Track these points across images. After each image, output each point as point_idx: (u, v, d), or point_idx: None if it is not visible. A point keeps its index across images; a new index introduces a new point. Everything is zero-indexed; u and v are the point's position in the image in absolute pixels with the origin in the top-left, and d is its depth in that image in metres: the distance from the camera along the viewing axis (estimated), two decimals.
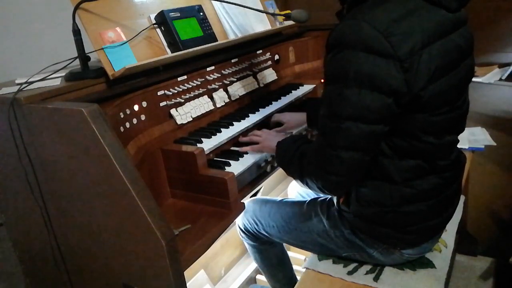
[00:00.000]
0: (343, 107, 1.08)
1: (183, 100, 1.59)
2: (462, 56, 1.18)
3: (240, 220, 1.72)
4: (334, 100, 1.10)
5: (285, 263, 1.82)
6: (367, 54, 1.03)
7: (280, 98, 1.91)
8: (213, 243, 1.33)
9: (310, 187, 1.25)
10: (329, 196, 1.48)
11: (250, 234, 1.68)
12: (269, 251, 1.74)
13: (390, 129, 1.13)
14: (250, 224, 1.64)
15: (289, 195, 1.94)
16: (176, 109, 1.57)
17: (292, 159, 1.27)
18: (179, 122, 1.57)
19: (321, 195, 1.51)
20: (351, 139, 1.09)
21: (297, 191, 1.90)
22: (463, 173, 1.38)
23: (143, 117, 1.46)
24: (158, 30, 1.60)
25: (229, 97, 1.79)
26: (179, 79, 1.60)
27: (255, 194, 1.94)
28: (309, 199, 1.54)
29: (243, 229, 1.70)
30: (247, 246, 1.79)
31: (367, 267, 1.41)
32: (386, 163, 1.20)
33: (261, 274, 2.02)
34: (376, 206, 1.26)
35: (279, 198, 1.66)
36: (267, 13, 1.95)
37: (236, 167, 1.45)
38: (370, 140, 1.10)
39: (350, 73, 1.05)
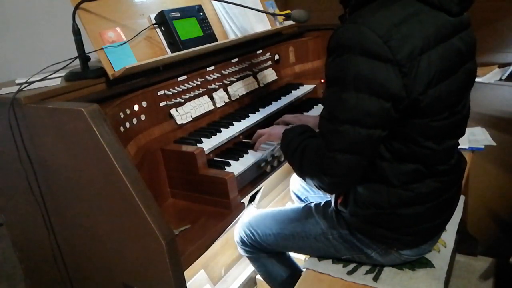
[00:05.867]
0: (341, 111, 1.08)
1: (183, 100, 1.59)
2: (462, 61, 1.17)
3: (236, 233, 1.69)
4: (333, 103, 1.10)
5: (292, 270, 1.74)
6: (366, 58, 1.03)
7: (280, 98, 1.92)
8: (213, 243, 1.33)
9: (308, 183, 1.26)
10: (325, 199, 1.49)
11: (247, 245, 1.66)
12: (272, 261, 1.69)
13: (389, 133, 1.13)
14: (247, 236, 1.63)
15: (290, 187, 1.95)
16: (176, 109, 1.57)
17: (295, 152, 1.27)
18: (179, 122, 1.57)
19: (318, 199, 1.52)
20: (348, 142, 1.09)
21: (292, 190, 1.91)
22: (463, 176, 1.38)
23: (143, 117, 1.46)
24: (158, 30, 1.60)
25: (229, 97, 1.79)
26: (179, 79, 1.60)
27: (255, 194, 1.94)
28: (303, 204, 1.54)
29: (240, 241, 1.68)
30: (248, 258, 1.75)
31: (367, 267, 1.41)
32: (384, 166, 1.20)
33: None
34: (373, 208, 1.26)
35: (275, 209, 1.65)
36: (267, 13, 1.96)
37: (236, 167, 1.45)
38: (367, 144, 1.10)
39: (349, 76, 1.05)
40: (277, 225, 1.53)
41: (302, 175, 1.26)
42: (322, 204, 1.47)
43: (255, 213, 1.65)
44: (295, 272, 1.71)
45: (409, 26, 1.05)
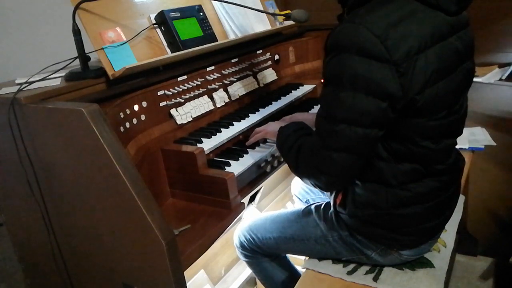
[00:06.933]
0: (338, 110, 1.08)
1: (183, 100, 1.59)
2: (459, 60, 1.17)
3: (235, 238, 1.68)
4: (330, 102, 1.11)
5: (291, 275, 1.73)
6: (363, 58, 1.03)
7: (280, 98, 1.92)
8: (213, 243, 1.33)
9: (304, 181, 1.26)
10: (325, 201, 1.49)
11: (247, 250, 1.65)
12: (273, 265, 1.69)
13: (386, 133, 1.13)
14: (247, 240, 1.62)
15: (292, 190, 1.95)
16: (176, 109, 1.57)
17: (291, 149, 1.27)
18: (179, 122, 1.57)
19: (319, 201, 1.52)
20: (345, 141, 1.09)
21: (294, 193, 1.91)
22: (461, 176, 1.38)
23: (143, 117, 1.46)
24: (158, 30, 1.60)
25: (229, 97, 1.79)
26: (179, 79, 1.60)
27: (255, 194, 1.94)
28: (303, 207, 1.53)
29: (240, 246, 1.67)
30: (247, 263, 1.74)
31: (367, 267, 1.41)
32: (382, 166, 1.20)
33: None
34: (372, 208, 1.26)
35: (274, 212, 1.64)
36: (267, 13, 1.95)
37: (236, 167, 1.45)
38: (364, 143, 1.10)
39: (346, 76, 1.05)
40: (277, 229, 1.53)
41: (297, 173, 1.26)
42: (322, 206, 1.47)
43: (254, 218, 1.65)
44: (294, 275, 1.71)
45: (406, 25, 1.05)
